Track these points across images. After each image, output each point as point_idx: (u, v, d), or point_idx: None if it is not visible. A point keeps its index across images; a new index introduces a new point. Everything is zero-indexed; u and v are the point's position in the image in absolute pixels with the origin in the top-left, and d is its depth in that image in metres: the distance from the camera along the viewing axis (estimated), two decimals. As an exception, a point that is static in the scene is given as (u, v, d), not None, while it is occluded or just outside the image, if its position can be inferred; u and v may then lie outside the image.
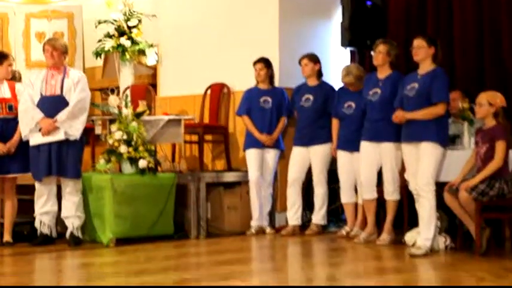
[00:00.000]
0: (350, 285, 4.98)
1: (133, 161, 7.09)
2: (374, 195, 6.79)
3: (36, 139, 6.81)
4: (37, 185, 6.89)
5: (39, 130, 6.78)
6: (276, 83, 7.82)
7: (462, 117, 6.69)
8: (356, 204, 7.13)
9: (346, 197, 7.21)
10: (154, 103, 8.43)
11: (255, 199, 7.52)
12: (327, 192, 7.43)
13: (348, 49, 8.13)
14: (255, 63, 7.70)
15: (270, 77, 7.73)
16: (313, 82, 7.55)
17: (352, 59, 8.23)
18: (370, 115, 6.79)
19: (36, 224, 6.92)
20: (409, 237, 6.37)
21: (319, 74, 7.57)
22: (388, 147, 6.66)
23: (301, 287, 5.11)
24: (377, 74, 6.85)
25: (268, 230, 7.55)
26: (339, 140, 7.21)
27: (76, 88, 6.85)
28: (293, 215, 7.47)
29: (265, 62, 7.70)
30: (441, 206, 6.21)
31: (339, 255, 6.29)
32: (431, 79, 6.19)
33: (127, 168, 7.12)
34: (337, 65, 8.29)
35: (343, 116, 7.16)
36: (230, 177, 7.73)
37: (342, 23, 7.96)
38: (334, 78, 8.10)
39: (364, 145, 6.80)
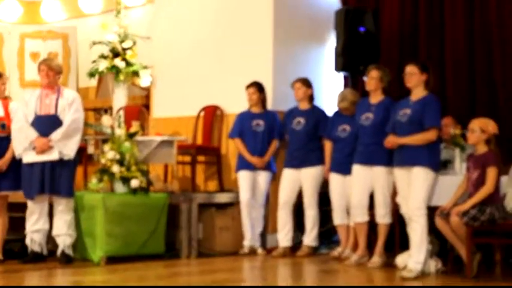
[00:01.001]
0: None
1: (126, 180, 7.10)
2: (365, 218, 6.83)
3: (29, 157, 6.81)
4: (29, 203, 6.88)
5: (33, 149, 6.79)
6: (269, 106, 7.87)
7: (454, 143, 6.75)
8: (348, 226, 7.16)
9: (338, 219, 7.23)
10: (147, 124, 8.47)
11: (246, 220, 7.55)
12: (318, 214, 7.46)
13: (342, 74, 8.20)
14: (247, 87, 7.76)
15: (263, 101, 7.78)
16: (305, 106, 7.61)
17: (346, 84, 8.30)
18: (363, 139, 6.84)
19: (27, 241, 6.90)
20: (401, 260, 6.39)
21: (311, 98, 7.64)
22: (380, 171, 6.71)
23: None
24: (369, 99, 6.92)
25: (259, 250, 7.56)
26: (332, 163, 7.25)
27: (70, 108, 6.88)
28: (284, 237, 7.48)
29: (258, 86, 7.76)
30: (432, 230, 6.24)
31: (330, 278, 6.30)
32: (424, 105, 6.26)
33: (119, 187, 7.13)
34: (330, 89, 8.37)
35: (337, 139, 7.21)
36: (222, 198, 7.75)
37: (335, 48, 8.04)
38: (328, 102, 8.18)
39: (356, 168, 6.85)
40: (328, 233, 7.78)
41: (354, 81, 8.08)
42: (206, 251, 7.51)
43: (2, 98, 7.13)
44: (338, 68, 8.02)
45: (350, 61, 7.95)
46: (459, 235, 6.05)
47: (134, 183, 7.07)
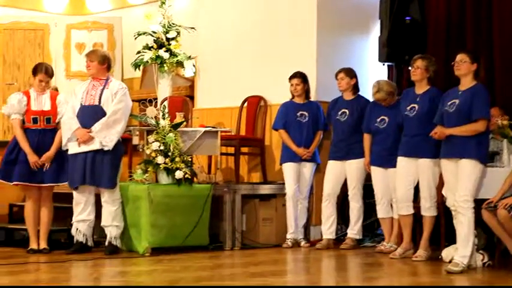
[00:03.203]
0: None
1: (170, 171, 7.13)
2: (410, 210, 6.75)
3: (73, 148, 6.90)
4: (74, 193, 6.97)
5: (76, 140, 6.86)
6: (313, 97, 7.83)
7: (501, 134, 6.62)
8: (392, 219, 7.09)
9: (382, 212, 7.16)
10: (191, 115, 8.49)
11: (291, 212, 7.53)
12: (362, 206, 7.40)
13: (386, 64, 8.10)
14: (291, 77, 7.72)
15: (306, 92, 7.74)
16: (349, 96, 7.55)
17: (390, 74, 8.21)
18: (408, 130, 6.76)
19: (73, 231, 6.99)
20: (446, 253, 6.31)
21: (356, 88, 7.56)
22: (425, 163, 6.62)
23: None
24: (415, 90, 6.82)
25: (303, 243, 7.55)
26: (371, 156, 7.18)
27: (114, 99, 6.92)
28: (328, 229, 7.45)
29: (302, 77, 7.72)
30: (479, 223, 6.14)
31: (374, 270, 6.24)
32: (472, 95, 6.14)
33: (163, 178, 7.17)
34: (374, 80, 8.27)
35: (376, 130, 7.13)
36: (266, 189, 7.75)
37: (380, 38, 7.94)
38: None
39: (401, 160, 6.77)
40: (372, 226, 7.72)
41: (398, 72, 7.97)
42: (250, 242, 7.52)
43: (53, 90, 7.24)
44: (382, 59, 7.93)
45: (395, 51, 7.85)
46: (506, 228, 5.94)
47: (178, 174, 7.10)
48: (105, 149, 6.83)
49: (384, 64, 8.03)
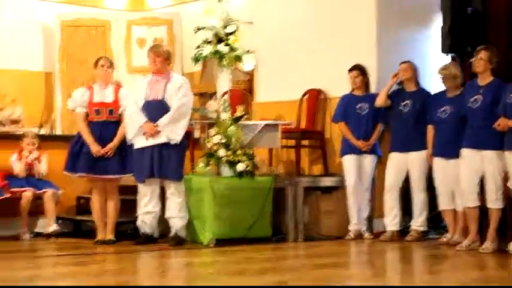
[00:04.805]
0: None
1: (232, 164, 7.20)
2: (476, 203, 6.69)
3: (139, 142, 7.00)
4: (140, 186, 7.08)
5: (143, 134, 6.96)
6: (373, 90, 7.80)
7: None
8: (455, 211, 7.04)
9: (444, 203, 7.11)
10: (250, 108, 8.54)
11: (353, 205, 7.54)
12: (426, 198, 7.36)
13: (449, 55, 8.03)
14: (350, 70, 7.72)
15: (366, 84, 7.73)
16: (411, 88, 7.51)
17: (453, 66, 8.12)
18: (472, 122, 6.71)
19: (138, 223, 7.11)
20: (514, 246, 6.24)
21: (417, 80, 7.52)
22: (490, 155, 6.55)
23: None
24: (478, 81, 6.76)
25: (366, 235, 7.55)
26: (434, 146, 7.13)
27: (178, 93, 7.02)
28: (391, 221, 7.43)
29: (360, 70, 7.71)
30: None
31: (440, 263, 6.20)
32: (537, 86, 6.07)
33: (225, 171, 7.24)
34: (436, 71, 8.20)
35: (438, 120, 7.08)
36: (327, 181, 7.76)
37: (442, 29, 7.87)
38: (433, 84, 8.02)
39: (465, 152, 6.71)
40: (437, 218, 7.66)
41: (461, 63, 7.88)
42: (312, 234, 7.54)
43: (114, 83, 7.36)
44: (445, 50, 7.86)
45: (457, 42, 7.77)
46: None
47: (240, 166, 7.16)
48: (172, 142, 6.93)
49: (447, 55, 7.96)
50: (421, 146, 7.29)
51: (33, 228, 7.77)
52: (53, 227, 7.56)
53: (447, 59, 8.16)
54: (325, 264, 6.05)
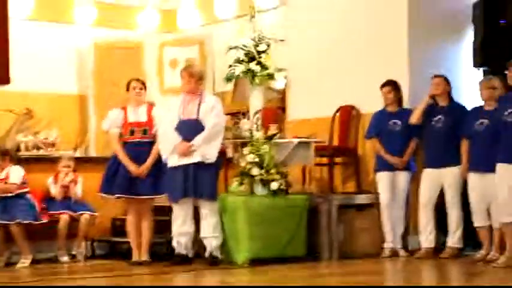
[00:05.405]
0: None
1: (266, 182, 7.20)
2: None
3: (173, 161, 7.04)
4: (174, 206, 7.10)
5: (177, 153, 7.01)
6: (406, 105, 7.76)
7: None
8: (491, 228, 6.95)
9: (479, 220, 7.02)
10: (283, 126, 8.55)
11: (387, 222, 7.50)
12: (461, 214, 7.28)
13: (481, 69, 7.96)
14: (382, 86, 7.70)
15: (399, 100, 7.70)
16: (443, 102, 7.46)
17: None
18: (506, 135, 6.62)
19: (174, 244, 7.13)
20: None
21: (450, 95, 7.48)
22: (527, 169, 6.47)
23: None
24: (513, 94, 6.70)
25: (401, 252, 7.49)
26: (469, 161, 7.06)
27: (211, 113, 7.06)
28: (426, 238, 7.36)
29: (393, 85, 7.69)
30: None
31: (477, 280, 6.13)
32: None
33: (259, 190, 7.24)
34: (468, 86, 8.14)
35: (474, 133, 7.01)
36: (361, 199, 7.72)
37: (473, 43, 7.82)
38: (466, 99, 7.96)
39: (501, 167, 6.62)
40: (473, 234, 7.57)
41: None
42: (347, 252, 7.50)
43: (148, 103, 7.43)
44: (477, 64, 7.82)
45: (490, 56, 7.72)
46: None
47: (274, 185, 7.17)
48: (207, 162, 6.96)
49: (478, 69, 7.89)
50: (455, 161, 7.22)
51: (70, 250, 7.84)
52: (81, 250, 7.69)
53: (479, 73, 8.11)
54: (360, 282, 6.01)
